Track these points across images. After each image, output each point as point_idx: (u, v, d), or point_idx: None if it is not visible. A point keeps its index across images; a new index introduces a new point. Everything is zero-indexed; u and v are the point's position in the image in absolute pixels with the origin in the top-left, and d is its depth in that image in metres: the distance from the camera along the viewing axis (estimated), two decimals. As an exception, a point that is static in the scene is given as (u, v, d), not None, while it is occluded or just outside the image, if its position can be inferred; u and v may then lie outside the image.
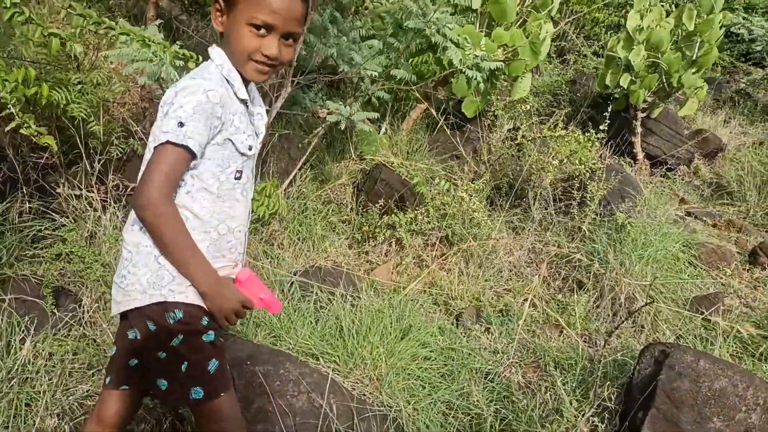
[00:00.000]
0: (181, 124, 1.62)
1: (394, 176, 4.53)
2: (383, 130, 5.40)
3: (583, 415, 2.68)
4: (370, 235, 4.27)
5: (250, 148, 1.81)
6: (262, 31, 1.67)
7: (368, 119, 3.98)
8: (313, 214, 4.25)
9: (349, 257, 4.13)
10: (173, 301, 1.71)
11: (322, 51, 4.13)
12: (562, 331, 3.74)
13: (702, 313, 3.98)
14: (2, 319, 2.64)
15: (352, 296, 3.46)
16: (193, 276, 1.71)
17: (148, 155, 1.70)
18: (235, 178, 1.80)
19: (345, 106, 3.80)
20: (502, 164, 4.96)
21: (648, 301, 3.78)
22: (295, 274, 3.60)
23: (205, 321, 1.75)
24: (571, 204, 4.52)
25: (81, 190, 3.34)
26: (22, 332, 2.63)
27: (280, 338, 2.87)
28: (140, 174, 1.69)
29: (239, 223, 1.85)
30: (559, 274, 4.24)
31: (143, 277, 1.71)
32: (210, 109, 1.66)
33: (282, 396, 2.35)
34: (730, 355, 3.58)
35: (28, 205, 3.19)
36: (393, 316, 3.27)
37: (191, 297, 1.73)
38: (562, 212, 4.67)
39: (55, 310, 2.80)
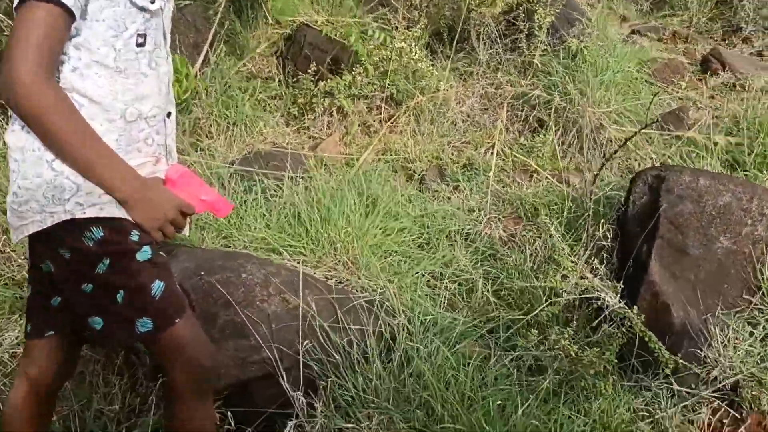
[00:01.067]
0: None
1: (321, 37, 3.98)
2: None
3: (579, 259, 2.44)
4: (308, 108, 3.79)
5: (152, 1, 1.32)
6: None
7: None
8: (239, 93, 3.71)
9: (288, 136, 3.67)
10: (84, 218, 1.28)
11: None
12: (532, 176, 3.47)
13: (671, 131, 3.77)
14: None
15: (302, 178, 3.05)
16: (104, 180, 1.27)
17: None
18: (137, 45, 1.33)
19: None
20: (436, 5, 4.44)
21: (619, 128, 3.53)
22: (232, 164, 3.14)
23: (135, 235, 1.33)
24: (518, 38, 4.12)
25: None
26: None
27: (231, 238, 2.47)
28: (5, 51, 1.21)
29: (152, 105, 1.39)
30: (518, 116, 3.91)
31: (38, 192, 1.27)
32: None
33: (250, 304, 1.99)
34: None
35: None
36: (353, 191, 2.89)
37: (108, 209, 1.30)
38: (510, 49, 4.25)
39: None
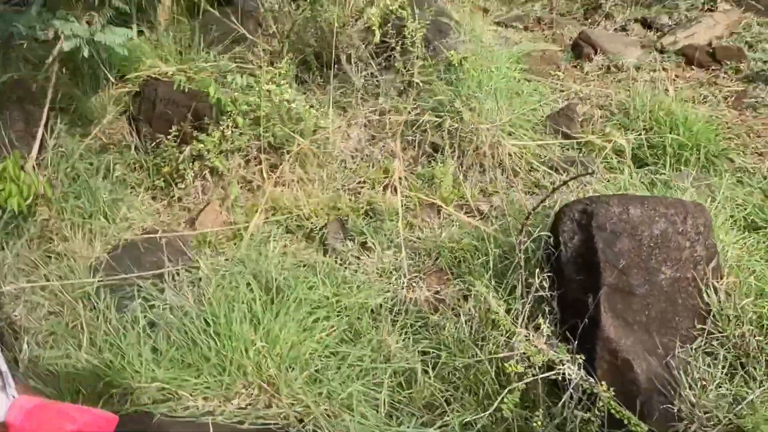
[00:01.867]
0: None
1: (173, 90, 3.47)
2: (133, 32, 4.17)
3: (520, 318, 2.18)
4: (175, 176, 3.30)
5: None
6: None
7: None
8: (90, 175, 3.16)
9: (159, 214, 3.17)
10: None
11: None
12: (439, 210, 3.20)
13: (566, 135, 3.63)
14: None
15: (188, 272, 2.59)
16: None
17: None
18: None
19: (81, 23, 2.65)
20: (298, 33, 4.03)
21: (517, 143, 3.32)
22: (95, 271, 2.63)
23: None
24: (392, 56, 3.81)
25: None
26: None
27: (115, 385, 1.99)
28: None
29: None
30: (410, 142, 3.61)
31: None
32: None
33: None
34: (611, 170, 3.28)
35: None
36: (246, 277, 2.48)
37: None
38: (385, 68, 3.94)
39: None
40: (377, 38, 3.48)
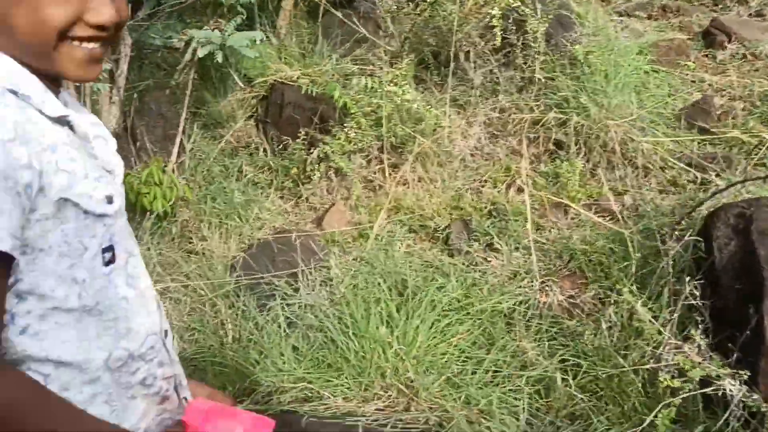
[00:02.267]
0: None
1: (299, 94, 3.57)
2: (259, 38, 4.31)
3: (668, 327, 2.06)
4: (302, 177, 3.39)
5: (110, 200, 0.91)
6: None
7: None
8: (224, 178, 3.30)
9: (288, 214, 3.26)
10: None
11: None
12: (566, 210, 3.10)
13: (703, 129, 3.42)
14: None
15: (319, 272, 2.66)
16: None
17: None
18: (105, 264, 0.91)
19: (213, 30, 2.77)
20: (417, 33, 4.03)
21: (651, 139, 3.16)
22: (232, 269, 2.74)
23: None
24: (512, 51, 3.73)
25: None
26: None
27: (259, 384, 2.06)
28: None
29: (145, 334, 0.98)
30: (531, 140, 3.52)
31: None
32: (2, 154, 0.76)
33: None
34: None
35: None
36: (376, 278, 2.50)
37: None
38: (503, 65, 3.87)
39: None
40: (499, 40, 3.42)
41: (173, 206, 2.84)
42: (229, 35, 2.86)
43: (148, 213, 2.82)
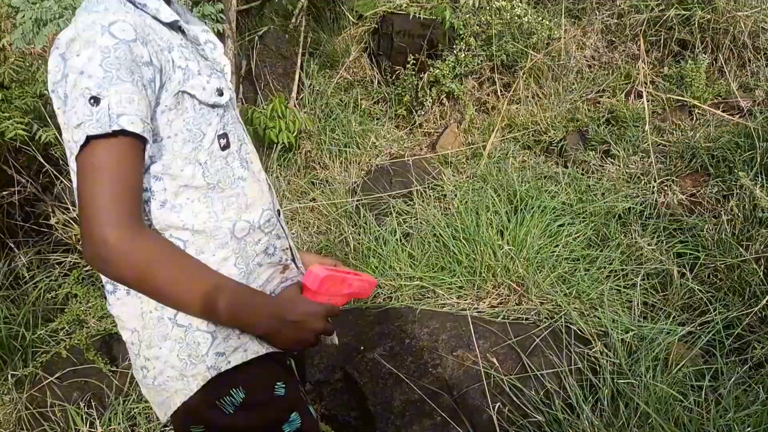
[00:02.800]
0: (96, 100, 0.91)
1: (409, 21, 3.62)
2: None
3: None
4: (415, 104, 3.47)
5: (220, 93, 1.06)
6: None
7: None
8: (341, 110, 3.47)
9: (403, 140, 3.38)
10: (228, 370, 1.05)
11: None
12: (691, 112, 2.94)
13: None
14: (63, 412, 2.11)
15: (432, 189, 2.76)
16: (236, 322, 1.04)
17: (74, 178, 0.98)
18: (222, 148, 1.07)
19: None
20: (525, -55, 3.91)
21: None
22: (353, 192, 2.91)
23: (280, 389, 1.09)
24: (629, -48, 3.52)
25: (72, 209, 2.70)
26: (88, 419, 2.10)
27: (381, 286, 2.22)
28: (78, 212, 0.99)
29: (261, 209, 1.14)
30: (654, 44, 3.35)
31: (171, 355, 1.05)
32: (127, 53, 0.93)
33: (423, 374, 1.74)
34: None
35: (23, 259, 2.58)
36: (488, 192, 2.56)
37: (253, 347, 1.07)
38: (621, -33, 3.67)
39: (110, 368, 2.23)
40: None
41: (296, 138, 3.04)
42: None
43: (275, 145, 3.05)
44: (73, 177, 0.97)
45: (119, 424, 2.10)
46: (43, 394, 2.18)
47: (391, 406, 1.70)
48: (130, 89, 0.91)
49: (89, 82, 0.90)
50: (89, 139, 0.90)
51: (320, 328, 1.11)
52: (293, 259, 1.24)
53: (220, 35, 2.80)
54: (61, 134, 1.02)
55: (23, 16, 2.16)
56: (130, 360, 1.13)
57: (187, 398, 1.06)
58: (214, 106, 1.05)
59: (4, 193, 2.81)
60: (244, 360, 1.06)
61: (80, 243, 0.90)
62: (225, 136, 1.08)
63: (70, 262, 2.55)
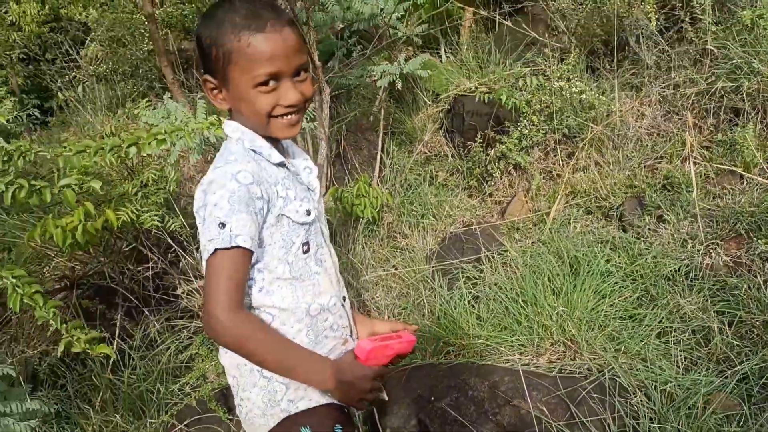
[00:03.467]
0: (223, 225, 1.35)
1: (476, 102, 4.04)
2: (443, 57, 4.89)
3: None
4: (485, 175, 3.85)
5: (308, 213, 1.50)
6: (272, 83, 1.39)
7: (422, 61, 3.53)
8: (419, 183, 3.90)
9: (475, 209, 3.75)
10: (296, 413, 1.48)
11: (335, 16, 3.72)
12: (742, 176, 3.15)
13: None
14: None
15: (500, 255, 3.10)
16: (305, 379, 1.46)
17: (204, 270, 1.44)
18: (303, 252, 1.51)
19: (394, 64, 3.39)
20: (584, 25, 4.28)
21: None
22: (429, 259, 3.30)
23: (338, 430, 1.49)
24: (683, 27, 3.81)
25: (194, 280, 3.23)
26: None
27: (450, 344, 2.58)
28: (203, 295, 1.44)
29: (330, 296, 1.56)
30: (707, 112, 3.59)
31: (257, 398, 1.49)
32: (246, 193, 1.37)
33: (483, 420, 2.06)
34: None
35: (156, 325, 3.12)
36: (550, 258, 2.87)
37: (315, 398, 1.50)
38: (676, 40, 3.96)
39: (228, 417, 2.69)
40: (653, 24, 3.58)
41: (379, 212, 3.48)
42: (405, 63, 3.44)
43: (361, 219, 3.50)
44: (202, 268, 1.43)
45: (236, 462, 2.53)
46: (175, 437, 2.66)
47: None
48: (245, 218, 1.36)
49: (219, 212, 1.35)
50: (216, 250, 1.34)
51: (368, 388, 1.53)
52: (351, 335, 1.65)
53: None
54: (186, 223, 1.49)
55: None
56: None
57: (267, 431, 1.48)
58: (303, 223, 1.49)
59: (140, 268, 3.40)
60: (308, 407, 1.49)
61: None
62: (307, 243, 1.51)
63: (194, 326, 3.06)
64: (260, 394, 1.48)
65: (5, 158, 2.08)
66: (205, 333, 1.44)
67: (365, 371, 1.52)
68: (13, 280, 2.09)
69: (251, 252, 1.39)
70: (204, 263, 1.40)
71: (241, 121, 1.47)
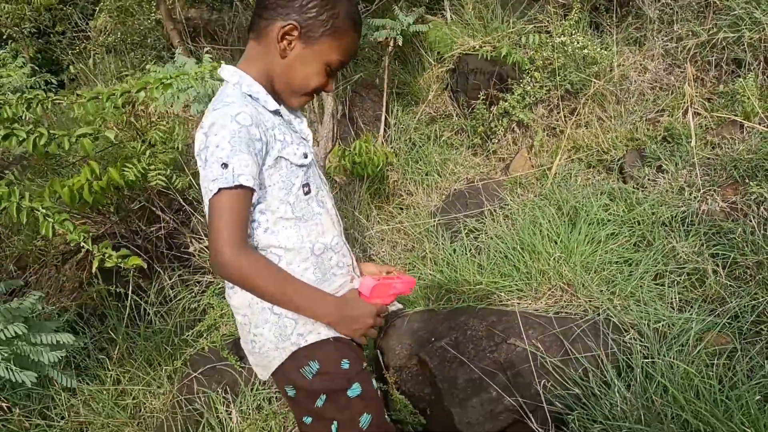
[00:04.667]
0: (225, 165, 1.41)
1: (480, 61, 4.07)
2: (448, 18, 4.89)
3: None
4: (489, 133, 3.90)
5: (305, 156, 1.57)
6: (331, 71, 1.56)
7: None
8: (423, 142, 3.95)
9: (479, 166, 3.80)
10: (306, 346, 1.56)
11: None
12: (742, 126, 3.17)
13: None
14: (202, 397, 2.69)
15: (501, 208, 3.17)
16: (311, 313, 1.54)
17: (207, 210, 1.51)
18: (305, 194, 1.58)
19: (396, 20, 3.43)
20: (587, -19, 4.26)
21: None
22: (433, 215, 3.37)
23: (345, 364, 1.57)
24: (685, -21, 3.79)
25: (206, 239, 3.33)
26: (225, 402, 2.67)
27: (453, 291, 2.66)
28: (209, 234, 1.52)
29: (332, 236, 1.64)
30: (710, 64, 3.59)
31: (269, 333, 1.57)
32: (246, 134, 1.44)
33: (481, 358, 2.15)
34: None
35: (169, 281, 3.23)
36: (551, 208, 2.93)
37: (323, 332, 1.57)
38: (680, -7, 3.94)
39: (240, 365, 2.80)
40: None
41: (381, 170, 3.55)
42: (409, 22, 3.47)
43: (364, 177, 3.57)
44: (206, 212, 1.50)
45: (248, 407, 2.65)
46: (190, 384, 2.78)
47: (455, 383, 2.13)
48: (247, 158, 1.43)
49: (221, 153, 1.42)
50: (220, 189, 1.42)
51: (371, 323, 1.60)
52: (354, 270, 1.73)
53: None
54: (195, 182, 1.58)
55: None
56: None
57: (280, 363, 1.57)
58: (300, 165, 1.57)
59: (152, 228, 3.50)
60: (317, 339, 1.57)
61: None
62: (308, 185, 1.59)
63: (207, 281, 3.17)
64: (272, 330, 1.56)
65: (25, 106, 2.18)
66: (212, 269, 1.53)
67: (369, 307, 1.60)
68: (43, 210, 2.22)
69: (253, 191, 1.46)
70: (207, 203, 1.47)
71: (259, 71, 1.54)
